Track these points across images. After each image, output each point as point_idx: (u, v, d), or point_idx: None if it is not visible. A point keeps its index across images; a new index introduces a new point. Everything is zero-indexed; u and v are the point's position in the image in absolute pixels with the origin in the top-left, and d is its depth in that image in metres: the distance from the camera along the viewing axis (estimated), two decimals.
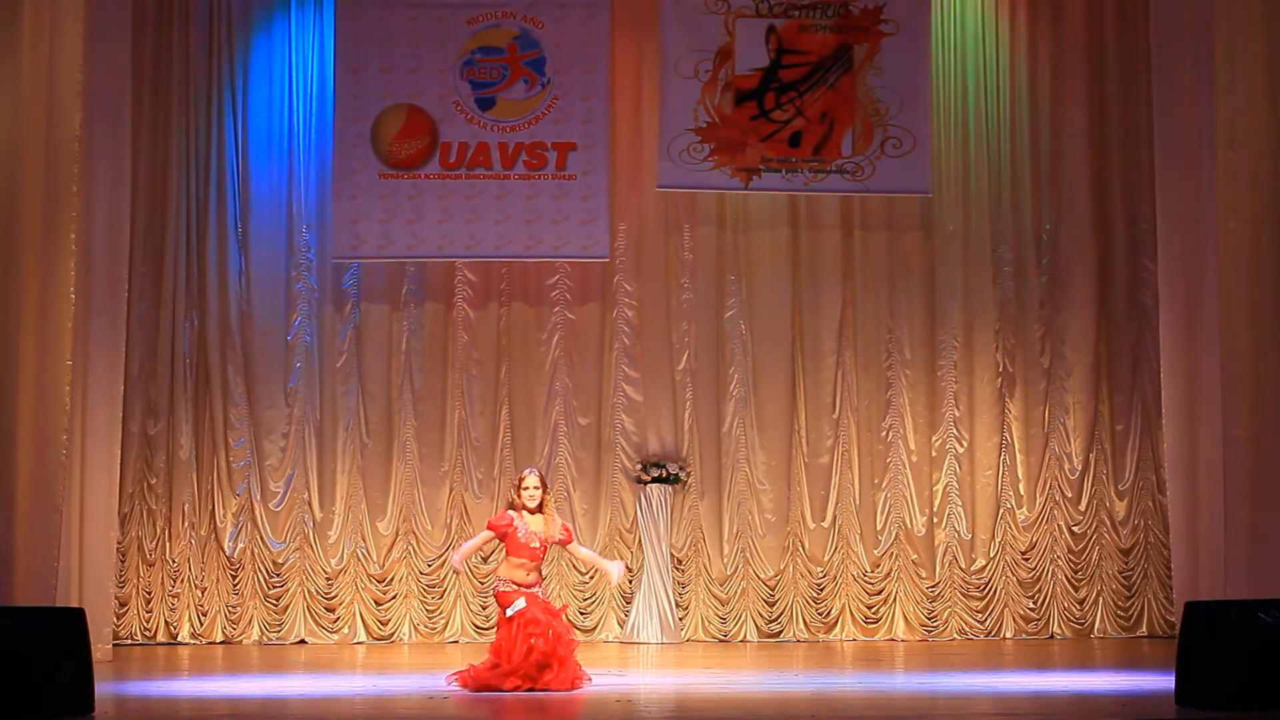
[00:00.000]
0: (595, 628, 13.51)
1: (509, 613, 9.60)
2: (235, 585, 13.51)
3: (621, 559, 13.54)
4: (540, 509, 9.81)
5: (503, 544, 9.83)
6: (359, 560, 13.58)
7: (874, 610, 13.62)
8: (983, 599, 13.66)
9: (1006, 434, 13.78)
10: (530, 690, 9.39)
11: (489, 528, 9.90)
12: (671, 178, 13.52)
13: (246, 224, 13.75)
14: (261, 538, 13.53)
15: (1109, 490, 13.77)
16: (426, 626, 13.54)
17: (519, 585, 9.67)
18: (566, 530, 9.99)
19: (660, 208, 13.84)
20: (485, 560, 13.45)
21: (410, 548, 13.59)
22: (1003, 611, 13.65)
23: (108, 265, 12.11)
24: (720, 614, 13.61)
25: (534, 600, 9.66)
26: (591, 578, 13.54)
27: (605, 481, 13.71)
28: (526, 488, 9.82)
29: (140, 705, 9.33)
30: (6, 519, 9.95)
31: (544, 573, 9.99)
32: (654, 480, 13.50)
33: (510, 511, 9.82)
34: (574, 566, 13.39)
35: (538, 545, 9.72)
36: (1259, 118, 10.24)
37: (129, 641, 13.25)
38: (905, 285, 13.86)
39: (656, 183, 13.61)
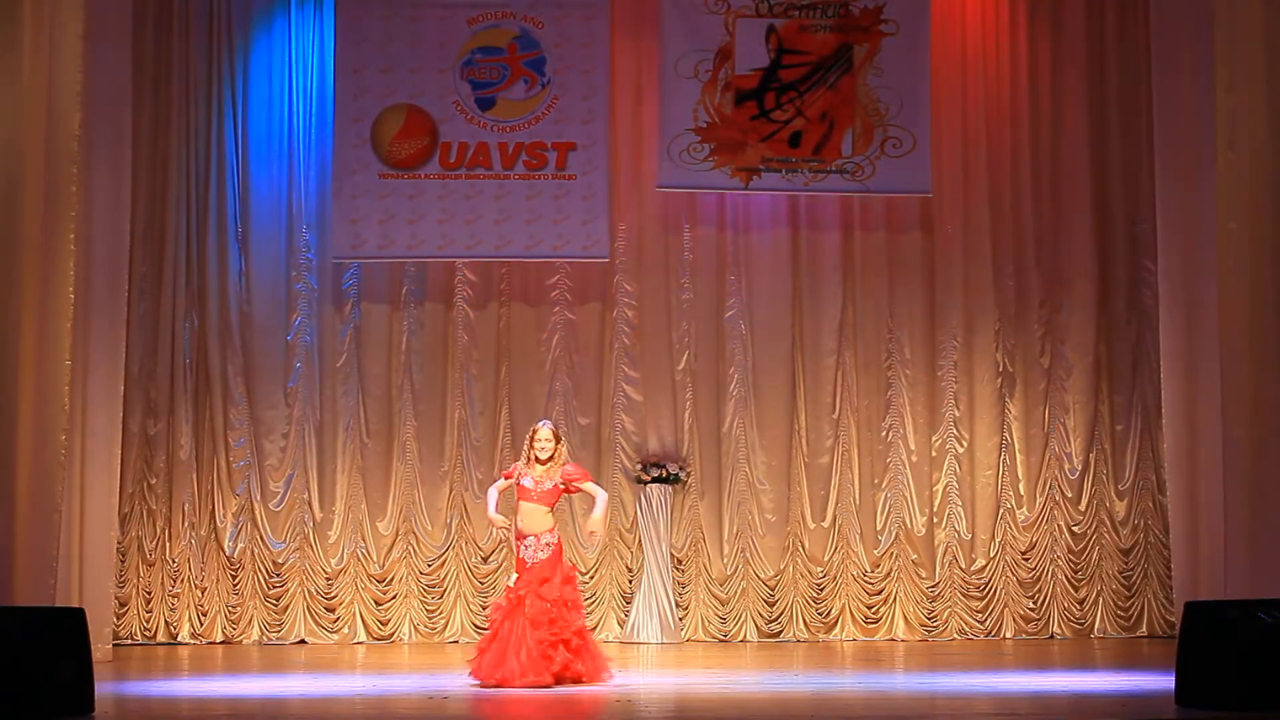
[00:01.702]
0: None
1: (509, 581, 9.95)
2: (235, 585, 13.50)
3: (621, 559, 13.60)
4: (550, 460, 9.95)
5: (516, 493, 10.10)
6: (359, 560, 13.58)
7: (874, 610, 13.61)
8: (983, 599, 13.65)
9: (1006, 434, 13.78)
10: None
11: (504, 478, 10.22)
12: (671, 178, 13.51)
13: (246, 224, 13.74)
14: (261, 538, 13.53)
15: (1109, 490, 13.76)
16: (426, 626, 13.54)
17: (533, 534, 9.85)
18: (570, 474, 10.06)
19: (660, 208, 13.84)
20: (485, 560, 13.47)
21: (410, 548, 13.59)
22: (1003, 611, 13.64)
23: (108, 265, 12.10)
24: (720, 614, 13.60)
25: (529, 579, 9.76)
26: (591, 578, 13.54)
27: (605, 481, 13.66)
28: (539, 440, 9.99)
29: (140, 705, 9.33)
30: (6, 519, 9.94)
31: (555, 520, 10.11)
32: (654, 480, 13.50)
33: (517, 463, 10.11)
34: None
35: (537, 488, 9.87)
36: (1259, 118, 10.23)
37: (129, 641, 13.24)
38: (905, 285, 13.85)
39: (656, 183, 13.60)
